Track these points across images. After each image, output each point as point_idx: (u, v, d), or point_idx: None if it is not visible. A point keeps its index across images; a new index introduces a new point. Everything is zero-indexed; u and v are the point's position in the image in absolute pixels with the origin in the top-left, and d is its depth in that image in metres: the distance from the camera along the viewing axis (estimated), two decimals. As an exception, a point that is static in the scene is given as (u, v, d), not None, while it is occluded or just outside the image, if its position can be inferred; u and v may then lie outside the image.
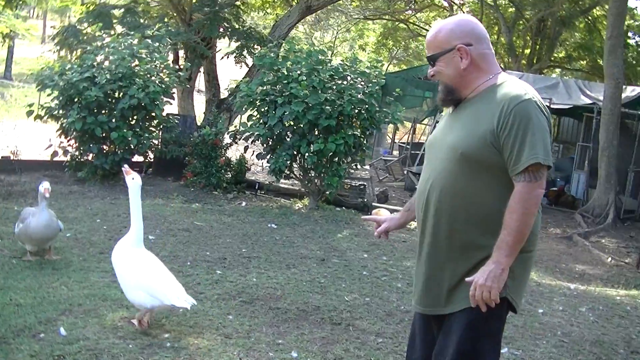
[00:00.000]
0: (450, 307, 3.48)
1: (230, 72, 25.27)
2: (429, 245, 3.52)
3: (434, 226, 3.48)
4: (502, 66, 27.89)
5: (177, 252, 8.18)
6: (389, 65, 35.85)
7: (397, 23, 32.60)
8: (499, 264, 3.23)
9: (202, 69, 17.22)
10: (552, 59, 29.90)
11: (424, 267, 3.58)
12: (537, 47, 29.18)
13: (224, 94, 17.66)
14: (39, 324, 5.52)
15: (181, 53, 16.79)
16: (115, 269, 5.97)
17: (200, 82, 19.23)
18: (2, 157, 13.78)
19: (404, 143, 24.67)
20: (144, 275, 5.72)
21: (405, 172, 19.65)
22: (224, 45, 18.87)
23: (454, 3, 30.82)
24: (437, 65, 3.50)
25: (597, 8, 26.64)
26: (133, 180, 6.11)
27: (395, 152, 24.99)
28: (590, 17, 27.75)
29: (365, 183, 14.66)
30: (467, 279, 3.31)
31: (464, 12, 31.05)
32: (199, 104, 19.95)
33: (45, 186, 7.08)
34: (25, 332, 5.34)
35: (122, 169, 6.35)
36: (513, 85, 3.39)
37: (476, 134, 3.32)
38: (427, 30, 25.69)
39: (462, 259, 3.42)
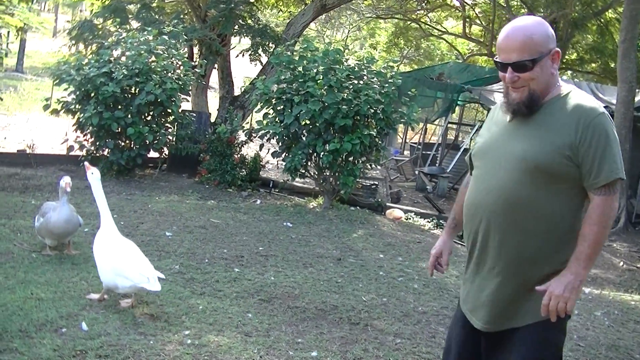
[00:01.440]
0: (516, 322, 3.43)
1: (244, 69, 25.31)
2: (494, 259, 3.43)
3: (501, 240, 3.38)
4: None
5: (195, 249, 8.21)
6: (400, 64, 35.81)
7: (408, 22, 32.55)
8: (578, 275, 3.23)
9: (216, 66, 17.23)
10: (564, 61, 29.82)
11: (487, 282, 3.49)
12: (549, 49, 29.13)
13: (237, 91, 17.67)
14: (60, 319, 5.56)
15: (195, 50, 16.80)
16: (94, 257, 6.24)
17: (213, 78, 19.23)
18: (18, 150, 13.84)
19: (415, 143, 24.68)
20: (117, 259, 5.98)
21: (416, 172, 19.65)
22: (234, 42, 18.87)
23: (466, 3, 30.77)
24: (533, 71, 3.27)
25: (610, 11, 26.57)
26: (92, 174, 6.44)
27: (406, 152, 25.00)
28: (602, 20, 27.65)
29: (377, 183, 14.69)
30: (538, 288, 3.29)
31: (475, 13, 31.03)
32: (212, 100, 19.97)
33: (66, 180, 7.11)
34: (47, 327, 5.38)
35: (84, 164, 6.78)
36: (582, 97, 3.35)
37: (551, 146, 3.24)
38: (439, 30, 25.62)
39: (530, 272, 3.36)
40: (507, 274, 3.40)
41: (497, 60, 3.38)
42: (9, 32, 33.75)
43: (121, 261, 5.99)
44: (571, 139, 3.22)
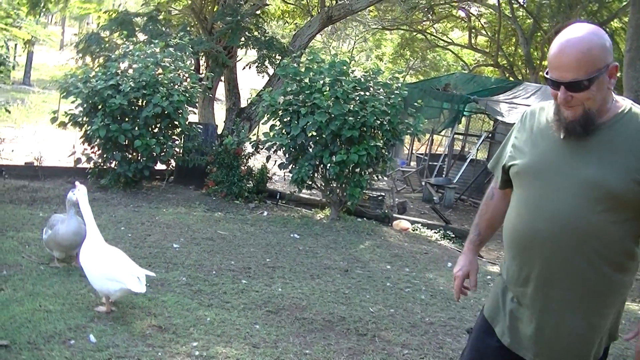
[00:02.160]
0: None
1: (250, 81, 25.36)
2: (560, 298, 3.08)
3: (569, 273, 3.03)
4: (520, 78, 27.96)
5: (202, 261, 8.22)
6: (406, 75, 35.83)
7: (414, 33, 32.60)
8: None
9: (222, 78, 17.26)
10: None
11: (549, 318, 3.13)
12: (555, 59, 29.08)
13: (244, 102, 17.69)
14: (68, 331, 5.57)
15: (202, 62, 16.84)
16: (83, 267, 6.32)
17: (220, 90, 19.26)
18: (25, 163, 13.88)
19: (421, 154, 24.70)
20: (106, 264, 6.09)
21: (423, 183, 19.66)
22: (241, 54, 18.91)
23: (472, 14, 30.82)
24: (590, 90, 2.94)
25: (616, 20, 26.58)
26: (79, 190, 6.71)
27: (413, 163, 25.01)
28: (608, 29, 27.64)
29: (383, 194, 14.70)
30: (626, 338, 3.34)
31: (481, 24, 31.08)
32: (219, 112, 20.01)
33: (80, 188, 7.09)
34: (55, 339, 5.39)
35: (73, 184, 6.98)
36: None
37: (625, 172, 2.94)
38: (445, 41, 25.57)
39: (601, 307, 3.09)
40: (579, 309, 3.08)
41: (548, 77, 3.03)
42: (16, 44, 33.88)
43: (110, 266, 6.09)
44: None
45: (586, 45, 2.91)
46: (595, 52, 2.91)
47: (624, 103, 3.10)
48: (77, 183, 6.95)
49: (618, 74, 3.02)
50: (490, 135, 23.35)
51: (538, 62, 28.41)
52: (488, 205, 3.68)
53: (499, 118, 19.08)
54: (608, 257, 3.01)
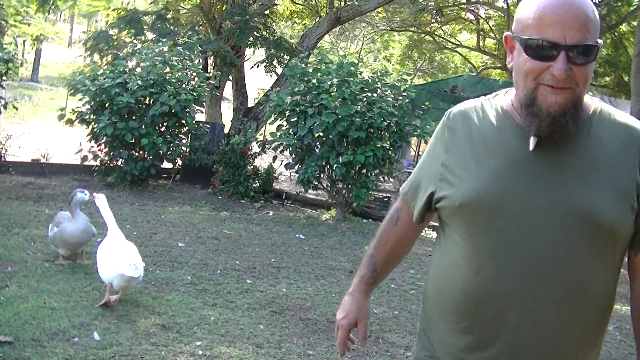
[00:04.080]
0: None
1: (257, 81, 25.37)
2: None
3: (549, 341, 2.16)
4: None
5: (207, 261, 8.23)
6: (413, 77, 35.82)
7: (422, 35, 32.56)
8: None
9: (230, 77, 17.28)
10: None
11: None
12: (563, 62, 28.97)
13: (251, 102, 17.71)
14: (72, 328, 5.57)
15: (210, 61, 16.86)
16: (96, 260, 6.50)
17: (228, 90, 19.28)
18: (32, 160, 13.91)
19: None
20: (111, 252, 6.29)
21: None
22: (248, 53, 18.93)
23: (480, 16, 30.78)
24: (590, 66, 2.08)
25: (624, 24, 26.53)
26: (98, 199, 7.00)
27: (419, 165, 24.93)
28: (616, 33, 27.59)
29: (389, 195, 14.67)
30: None
31: (489, 26, 31.05)
32: (226, 111, 20.03)
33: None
34: (59, 336, 5.40)
35: (93, 196, 7.22)
36: (623, 115, 2.27)
37: (619, 193, 2.13)
38: (453, 43, 25.54)
39: None
40: None
41: (535, 39, 2.05)
42: (25, 41, 33.96)
43: (114, 253, 6.26)
44: (636, 178, 2.15)
45: (590, 6, 2.07)
46: (596, 18, 2.08)
47: (592, 102, 2.26)
48: (77, 192, 7.25)
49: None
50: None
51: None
52: (390, 234, 2.65)
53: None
54: (600, 313, 2.24)
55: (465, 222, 2.25)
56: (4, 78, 12.42)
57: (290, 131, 11.84)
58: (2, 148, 13.08)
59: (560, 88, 2.05)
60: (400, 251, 2.74)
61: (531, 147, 2.15)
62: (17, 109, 13.43)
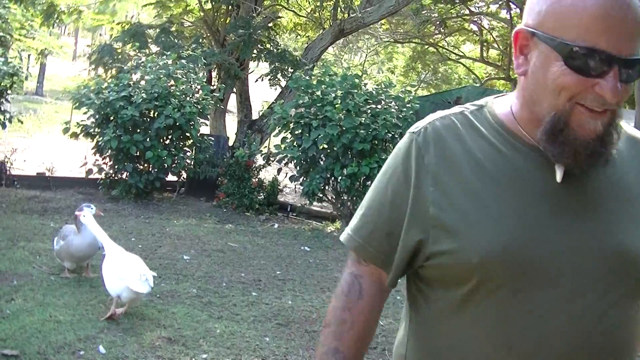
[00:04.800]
0: None
1: (262, 93, 25.40)
2: None
3: None
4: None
5: (212, 273, 8.22)
6: (417, 88, 35.87)
7: (426, 47, 32.59)
8: None
9: (234, 90, 17.31)
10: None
11: None
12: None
13: (255, 115, 17.74)
14: (78, 341, 5.58)
15: (214, 74, 16.89)
16: (102, 274, 6.50)
17: (232, 102, 19.32)
18: (37, 173, 13.94)
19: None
20: (118, 265, 6.31)
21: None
22: (252, 66, 18.97)
23: (484, 27, 30.81)
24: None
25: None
26: (84, 216, 7.04)
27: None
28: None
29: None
30: None
31: (493, 37, 31.07)
32: (230, 124, 20.06)
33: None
34: (65, 349, 5.40)
35: (74, 216, 7.32)
36: (631, 128, 1.85)
37: None
38: (456, 54, 25.53)
39: None
40: None
41: (590, 47, 1.51)
42: (29, 55, 34.08)
43: (119, 266, 6.28)
44: None
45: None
46: None
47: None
48: (83, 207, 7.23)
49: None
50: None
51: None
52: (355, 312, 1.88)
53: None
54: None
55: (481, 284, 1.64)
56: (9, 92, 12.47)
57: (295, 143, 11.83)
58: (7, 162, 13.10)
59: (602, 111, 1.56)
60: (370, 333, 1.93)
61: (559, 179, 1.64)
62: (22, 122, 13.50)
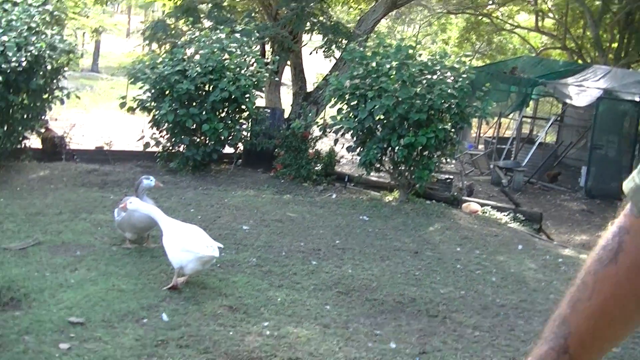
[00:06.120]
0: None
1: (316, 66, 25.38)
2: None
3: None
4: (589, 60, 27.46)
5: (272, 243, 8.26)
6: (472, 59, 35.52)
7: (480, 17, 32.26)
8: None
9: (288, 63, 17.30)
10: (641, 54, 29.19)
11: None
12: (625, 41, 28.38)
13: (310, 87, 17.71)
14: (141, 310, 5.66)
15: (267, 47, 16.89)
16: (165, 247, 6.50)
17: (286, 75, 19.31)
18: (96, 147, 14.11)
19: (489, 137, 24.51)
20: (182, 237, 6.36)
21: (491, 166, 19.48)
22: (305, 38, 18.93)
23: (539, -4, 30.41)
24: None
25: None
26: (131, 204, 6.92)
27: (481, 146, 24.80)
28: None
29: (451, 177, 14.59)
30: None
31: (548, 6, 30.61)
32: (285, 96, 20.08)
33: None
34: (128, 317, 5.48)
35: (124, 203, 7.21)
36: None
37: None
38: (511, 24, 25.36)
39: None
40: None
41: None
42: (84, 33, 34.39)
43: (186, 237, 6.33)
44: None
45: None
46: None
47: None
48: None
49: None
50: (559, 118, 23.07)
51: (607, 44, 27.88)
52: (600, 279, 1.39)
53: (568, 101, 18.86)
54: None
55: None
56: (66, 69, 12.57)
57: (351, 114, 11.81)
58: (66, 136, 13.27)
59: None
60: (617, 315, 1.38)
61: None
62: (79, 98, 13.61)
